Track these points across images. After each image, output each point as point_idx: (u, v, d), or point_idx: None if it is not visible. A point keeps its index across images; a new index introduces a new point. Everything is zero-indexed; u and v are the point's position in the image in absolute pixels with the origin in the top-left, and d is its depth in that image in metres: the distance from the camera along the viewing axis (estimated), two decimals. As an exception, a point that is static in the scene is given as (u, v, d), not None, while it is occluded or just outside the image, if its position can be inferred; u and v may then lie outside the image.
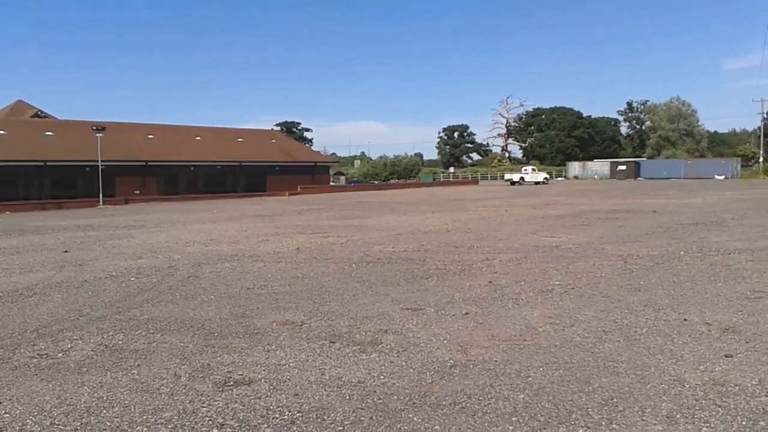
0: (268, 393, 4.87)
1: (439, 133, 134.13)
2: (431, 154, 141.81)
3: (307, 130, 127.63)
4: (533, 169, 78.27)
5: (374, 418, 4.34)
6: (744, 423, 4.09)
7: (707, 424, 4.08)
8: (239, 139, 59.39)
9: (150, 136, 52.00)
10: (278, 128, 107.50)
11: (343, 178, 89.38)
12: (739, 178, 74.17)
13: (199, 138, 55.47)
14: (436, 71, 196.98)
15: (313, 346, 6.15)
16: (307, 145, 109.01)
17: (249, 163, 55.30)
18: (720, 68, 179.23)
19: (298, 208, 30.95)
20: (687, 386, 4.79)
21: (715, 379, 4.94)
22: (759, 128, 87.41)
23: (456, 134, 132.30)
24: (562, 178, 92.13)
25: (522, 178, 73.55)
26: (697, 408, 4.36)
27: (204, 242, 15.85)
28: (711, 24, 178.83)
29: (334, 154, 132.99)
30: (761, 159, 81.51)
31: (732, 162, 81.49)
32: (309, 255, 12.86)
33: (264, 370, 5.42)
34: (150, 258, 13.01)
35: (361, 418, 4.33)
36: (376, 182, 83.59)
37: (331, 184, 70.41)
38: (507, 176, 79.52)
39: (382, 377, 5.17)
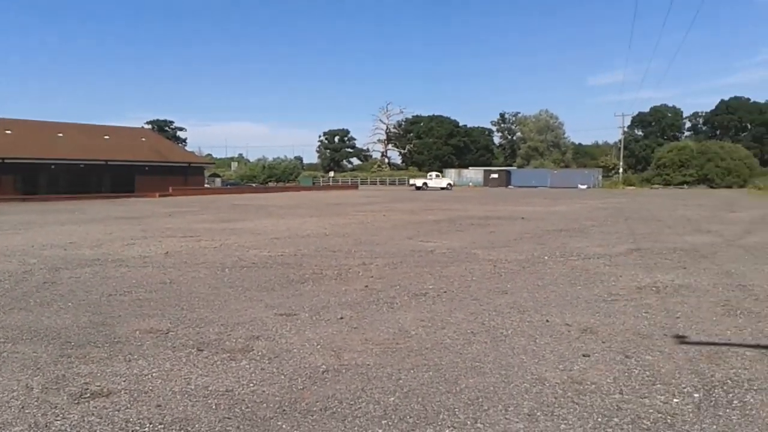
0: (128, 405, 4.59)
1: (320, 137, 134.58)
2: (311, 157, 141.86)
3: (181, 129, 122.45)
4: (437, 175, 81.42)
5: (241, 427, 4.20)
6: (599, 420, 4.33)
7: (565, 421, 4.29)
8: (105, 137, 55.91)
9: (7, 132, 47.88)
10: (149, 126, 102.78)
11: (219, 180, 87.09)
12: (600, 187, 79.60)
13: (61, 135, 51.69)
14: (319, 74, 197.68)
15: (179, 354, 5.87)
16: (180, 145, 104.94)
17: (116, 162, 52.04)
18: (585, 84, 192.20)
19: (169, 210, 29.68)
20: (547, 385, 5.01)
21: (573, 377, 5.21)
22: (620, 141, 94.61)
23: (337, 139, 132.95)
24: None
25: (425, 184, 76.29)
26: (557, 406, 4.57)
27: (63, 246, 14.79)
28: (577, 42, 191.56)
29: (209, 155, 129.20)
30: (621, 170, 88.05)
31: (594, 173, 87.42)
32: (179, 259, 12.34)
33: (124, 381, 5.10)
34: (3, 262, 11.96)
35: (228, 428, 4.18)
36: (254, 185, 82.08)
37: (206, 186, 68.33)
38: (412, 181, 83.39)
39: (251, 385, 5.03)
